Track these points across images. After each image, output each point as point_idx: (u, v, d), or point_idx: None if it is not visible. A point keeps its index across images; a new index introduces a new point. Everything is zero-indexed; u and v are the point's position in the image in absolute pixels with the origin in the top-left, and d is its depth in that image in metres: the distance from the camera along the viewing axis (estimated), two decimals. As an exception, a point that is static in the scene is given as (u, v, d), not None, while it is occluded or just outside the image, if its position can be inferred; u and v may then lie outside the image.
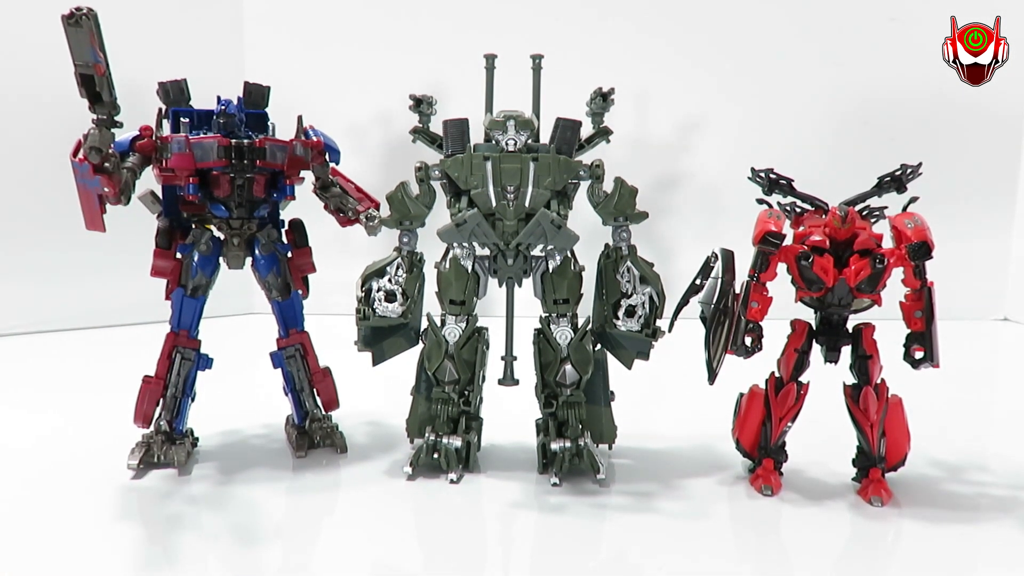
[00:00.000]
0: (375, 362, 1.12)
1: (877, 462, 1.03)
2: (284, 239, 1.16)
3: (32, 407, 1.44)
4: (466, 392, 1.10)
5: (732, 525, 0.98)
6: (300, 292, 1.18)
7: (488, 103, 1.12)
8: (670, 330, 1.07)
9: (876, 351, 1.02)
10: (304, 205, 1.16)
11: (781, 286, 1.02)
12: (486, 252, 1.08)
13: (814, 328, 1.04)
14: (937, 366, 1.01)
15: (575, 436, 1.07)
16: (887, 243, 1.01)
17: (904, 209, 1.02)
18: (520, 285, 1.10)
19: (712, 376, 1.04)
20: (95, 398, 1.45)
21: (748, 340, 1.01)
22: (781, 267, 1.02)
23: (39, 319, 2.06)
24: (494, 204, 1.04)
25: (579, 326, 1.08)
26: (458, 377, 1.08)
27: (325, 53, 2.29)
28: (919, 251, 0.98)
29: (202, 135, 1.06)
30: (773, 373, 1.06)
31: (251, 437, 1.24)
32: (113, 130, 0.95)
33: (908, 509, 1.00)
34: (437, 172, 1.07)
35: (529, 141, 1.04)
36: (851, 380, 1.04)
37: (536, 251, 1.07)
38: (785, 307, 1.04)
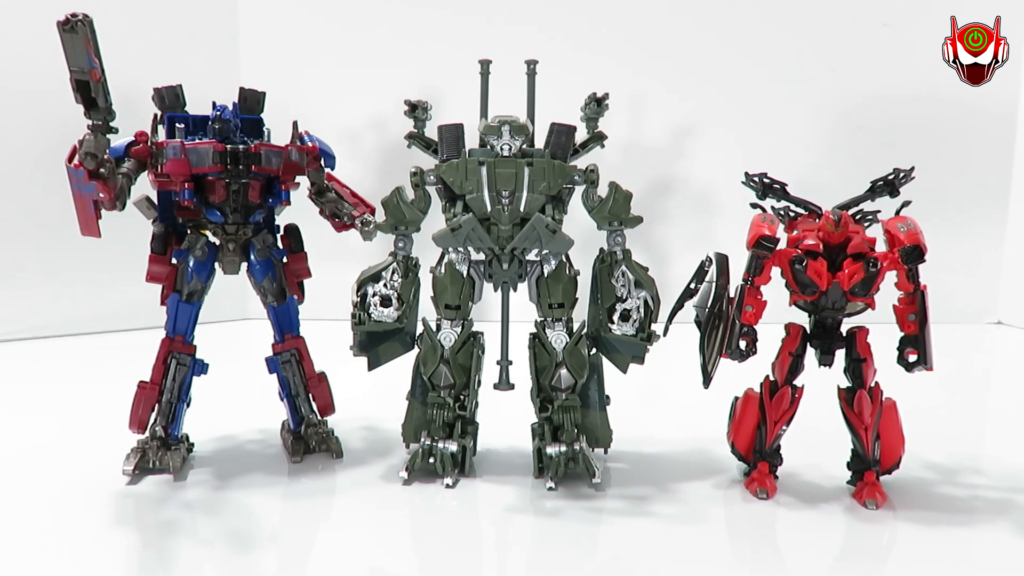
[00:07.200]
0: (371, 367, 1.12)
1: (872, 465, 1.03)
2: (280, 244, 1.17)
3: (27, 413, 1.43)
4: (462, 397, 1.10)
5: (727, 529, 0.98)
6: (296, 297, 1.18)
7: (483, 108, 1.12)
8: (665, 334, 1.07)
9: (870, 354, 1.03)
10: (300, 210, 1.17)
11: (775, 290, 1.03)
12: (481, 257, 1.08)
13: (808, 332, 1.04)
14: (931, 369, 1.02)
15: (571, 440, 1.07)
16: (880, 247, 1.01)
17: (897, 213, 1.03)
18: (515, 290, 1.10)
19: (707, 380, 1.04)
20: (90, 404, 1.45)
21: (743, 344, 1.02)
22: (775, 271, 1.02)
23: (34, 325, 2.05)
24: (489, 209, 1.05)
25: (574, 330, 1.08)
26: (454, 382, 1.08)
27: (320, 58, 2.29)
28: (912, 255, 0.98)
29: (197, 140, 1.06)
30: (768, 376, 1.06)
31: (247, 442, 1.24)
32: (108, 136, 0.95)
33: (903, 512, 1.00)
34: (432, 177, 1.07)
35: (524, 146, 1.05)
36: (845, 383, 1.05)
37: (531, 255, 1.08)
38: (779, 311, 1.04)
